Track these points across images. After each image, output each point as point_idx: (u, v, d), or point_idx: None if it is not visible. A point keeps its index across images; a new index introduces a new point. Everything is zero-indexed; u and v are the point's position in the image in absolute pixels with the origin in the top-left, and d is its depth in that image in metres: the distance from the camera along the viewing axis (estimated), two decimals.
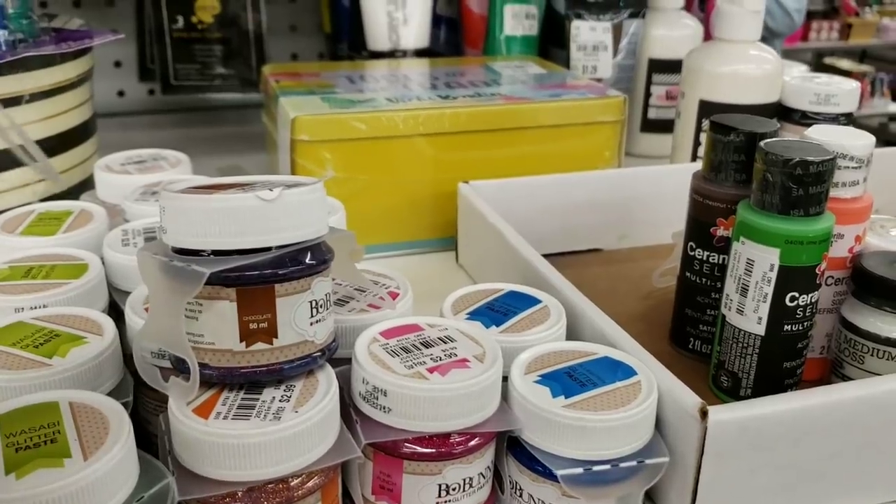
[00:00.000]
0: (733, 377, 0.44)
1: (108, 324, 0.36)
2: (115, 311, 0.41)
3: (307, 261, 0.31)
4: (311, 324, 0.32)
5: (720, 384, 0.45)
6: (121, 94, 1.01)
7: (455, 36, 0.95)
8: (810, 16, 3.15)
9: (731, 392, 0.44)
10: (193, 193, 0.30)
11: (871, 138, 0.44)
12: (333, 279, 0.36)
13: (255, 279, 0.30)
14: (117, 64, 0.99)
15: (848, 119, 0.68)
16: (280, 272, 0.30)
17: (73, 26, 0.66)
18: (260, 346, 0.31)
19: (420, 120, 0.62)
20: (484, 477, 0.35)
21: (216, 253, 0.30)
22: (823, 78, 0.70)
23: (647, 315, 0.55)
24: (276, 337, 0.31)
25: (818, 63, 3.36)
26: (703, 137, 0.71)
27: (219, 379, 0.31)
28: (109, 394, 0.34)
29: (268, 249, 0.30)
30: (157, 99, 1.01)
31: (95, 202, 0.53)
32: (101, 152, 0.62)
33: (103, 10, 0.95)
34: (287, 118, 0.59)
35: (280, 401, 0.31)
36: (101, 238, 0.45)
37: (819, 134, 0.44)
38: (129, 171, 0.55)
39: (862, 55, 3.58)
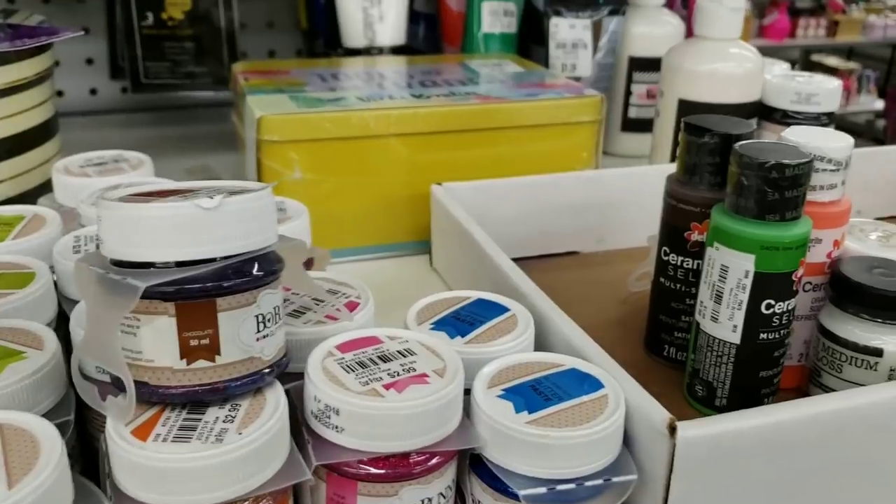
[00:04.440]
0: (708, 386, 0.42)
1: (51, 338, 0.35)
2: (66, 323, 0.39)
3: (253, 272, 0.29)
4: (258, 339, 0.30)
5: (695, 393, 0.43)
6: (93, 92, 0.99)
7: (433, 33, 0.93)
8: (798, 12, 3.15)
9: (706, 402, 0.43)
10: (131, 202, 0.29)
11: (850, 140, 0.43)
12: (288, 289, 0.35)
13: (195, 293, 0.28)
14: (89, 61, 0.97)
15: (830, 118, 0.67)
16: (223, 285, 0.28)
17: (33, 23, 0.64)
18: (202, 363, 0.29)
19: (392, 119, 0.60)
20: (444, 497, 0.33)
21: (154, 265, 0.28)
22: (805, 76, 0.69)
23: (623, 320, 0.53)
24: (220, 354, 0.29)
25: (805, 60, 3.36)
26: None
27: (157, 398, 0.29)
28: (49, 412, 0.32)
29: (211, 261, 0.28)
30: (130, 97, 0.98)
31: (54, 206, 0.51)
32: (71, 152, 0.60)
33: (72, 7, 0.93)
34: (253, 117, 0.58)
35: (224, 421, 0.29)
36: (52, 245, 0.43)
37: (796, 135, 0.43)
38: (87, 173, 0.53)
39: (849, 52, 3.58)
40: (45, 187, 0.60)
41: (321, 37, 0.94)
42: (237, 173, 0.74)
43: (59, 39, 0.58)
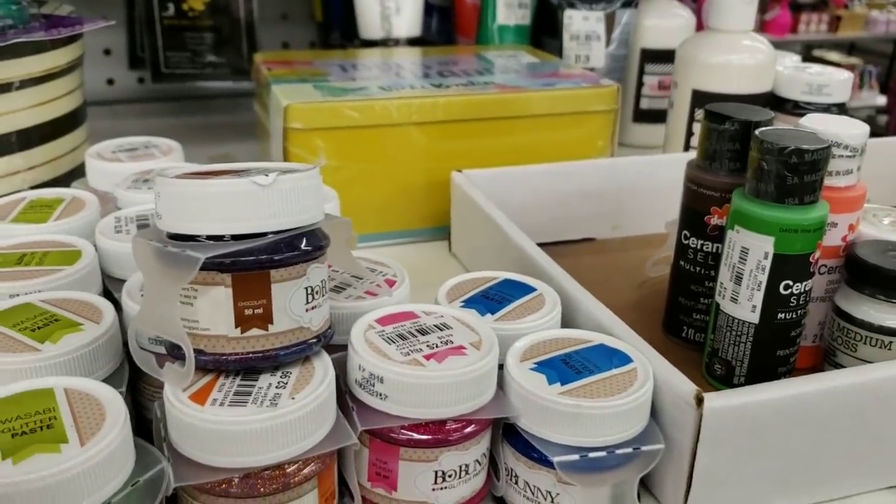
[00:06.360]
0: (727, 365, 0.44)
1: (109, 310, 0.36)
2: (109, 299, 0.40)
3: (303, 247, 0.31)
4: (307, 310, 0.31)
5: (713, 372, 0.45)
6: (110, 82, 1.00)
7: (447, 25, 0.94)
8: (799, 8, 3.15)
9: (725, 380, 0.44)
10: (189, 179, 0.30)
11: (866, 127, 0.44)
12: (330, 266, 0.36)
13: (250, 265, 0.30)
14: (107, 52, 0.99)
15: (840, 109, 0.68)
16: (275, 258, 0.30)
17: (63, 12, 0.66)
18: (255, 332, 0.30)
19: (413, 108, 0.62)
20: (480, 464, 0.35)
21: (211, 238, 0.30)
22: (816, 68, 0.70)
23: (639, 304, 0.55)
24: (272, 323, 0.31)
25: (807, 55, 3.37)
26: (697, 127, 0.71)
27: (213, 365, 0.31)
28: (106, 380, 0.34)
29: (263, 235, 0.30)
30: (147, 87, 1.00)
31: (87, 190, 0.52)
32: (91, 141, 0.62)
33: None
34: (279, 106, 0.59)
35: (276, 387, 0.31)
36: (93, 225, 0.45)
37: (814, 123, 0.44)
38: (120, 158, 0.54)
39: (850, 47, 3.59)
40: (76, 173, 0.61)
41: (337, 29, 0.95)
42: (258, 161, 0.75)
43: (91, 28, 0.59)
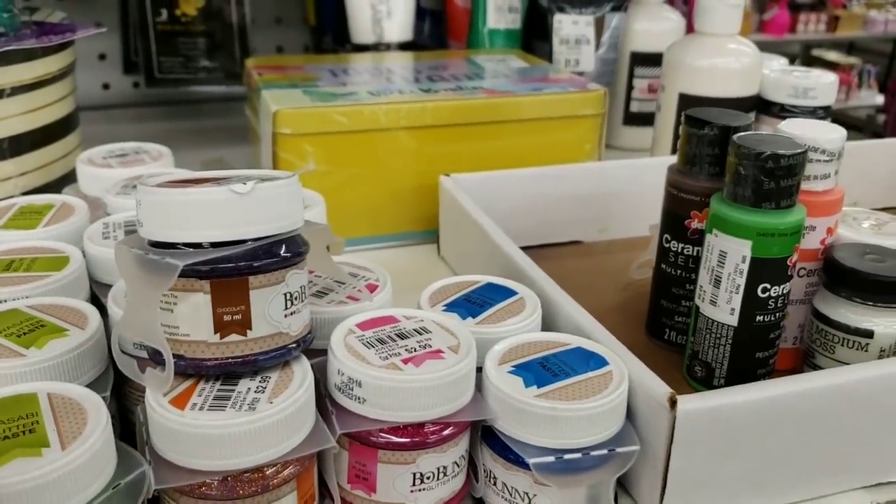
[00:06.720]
0: (707, 367, 0.45)
1: (94, 316, 0.37)
2: (96, 304, 0.41)
3: (281, 253, 0.31)
4: (286, 316, 0.32)
5: (694, 374, 0.45)
6: (105, 86, 1.01)
7: (439, 29, 0.95)
8: (798, 8, 3.16)
9: (705, 382, 0.45)
10: (169, 187, 0.31)
11: (843, 132, 0.45)
12: (312, 272, 0.37)
13: (229, 272, 0.30)
14: (102, 57, 0.99)
15: (826, 112, 0.69)
16: (254, 264, 0.31)
17: (55, 19, 0.66)
18: (234, 337, 0.31)
19: (402, 113, 0.62)
20: (458, 465, 0.35)
21: (191, 246, 0.30)
22: (802, 71, 0.71)
23: (624, 306, 0.56)
24: (251, 329, 0.31)
25: (806, 55, 3.38)
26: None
27: (193, 370, 0.31)
28: (91, 385, 0.34)
29: (242, 242, 0.31)
30: (141, 92, 1.01)
31: (78, 196, 0.53)
32: (85, 145, 0.63)
33: (87, 3, 0.95)
34: (269, 111, 0.60)
35: (255, 392, 0.31)
36: (82, 231, 0.45)
37: (792, 127, 0.45)
38: (111, 164, 0.55)
39: (849, 47, 3.59)
40: (68, 178, 0.62)
41: (329, 33, 0.96)
42: (250, 165, 0.76)
43: (81, 36, 0.60)
